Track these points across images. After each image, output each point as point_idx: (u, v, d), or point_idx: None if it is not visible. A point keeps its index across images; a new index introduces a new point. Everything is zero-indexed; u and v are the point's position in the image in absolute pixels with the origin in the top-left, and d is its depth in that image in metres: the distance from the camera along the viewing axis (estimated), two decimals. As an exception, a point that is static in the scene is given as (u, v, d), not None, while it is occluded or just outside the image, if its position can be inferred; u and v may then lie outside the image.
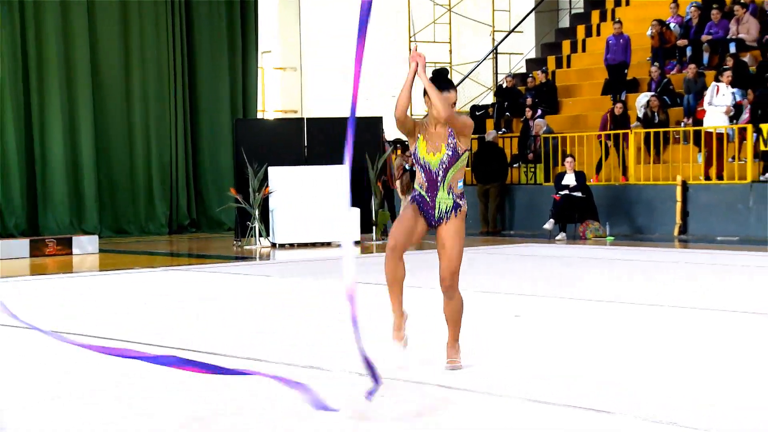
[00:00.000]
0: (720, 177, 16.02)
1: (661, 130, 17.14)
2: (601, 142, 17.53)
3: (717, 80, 16.36)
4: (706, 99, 16.39)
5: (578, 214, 16.37)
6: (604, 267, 11.42)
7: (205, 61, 20.61)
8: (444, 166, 5.37)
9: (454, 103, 5.35)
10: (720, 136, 16.06)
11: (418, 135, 5.42)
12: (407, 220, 5.41)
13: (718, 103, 16.24)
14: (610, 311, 7.63)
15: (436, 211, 5.42)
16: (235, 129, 17.32)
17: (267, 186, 16.16)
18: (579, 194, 16.43)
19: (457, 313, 5.50)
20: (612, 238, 16.00)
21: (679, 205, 16.17)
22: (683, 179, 16.29)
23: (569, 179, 16.57)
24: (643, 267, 11.39)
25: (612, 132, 17.55)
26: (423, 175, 5.43)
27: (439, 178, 5.39)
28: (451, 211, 5.41)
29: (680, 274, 10.48)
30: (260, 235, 16.05)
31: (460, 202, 5.45)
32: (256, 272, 11.82)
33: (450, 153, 5.35)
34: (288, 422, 4.50)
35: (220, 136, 20.54)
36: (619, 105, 17.76)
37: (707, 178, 16.02)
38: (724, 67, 17.02)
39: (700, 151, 16.77)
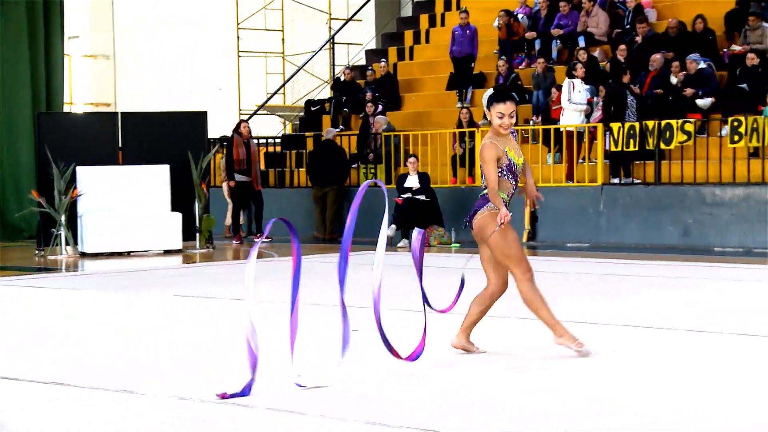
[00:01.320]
0: (570, 179, 16.58)
1: (518, 128, 17.52)
2: (456, 140, 17.82)
3: (570, 76, 16.91)
4: (563, 96, 16.89)
5: (422, 219, 16.58)
6: (444, 276, 11.59)
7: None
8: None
9: (513, 113, 6.46)
10: (573, 135, 16.61)
11: (504, 148, 6.45)
12: (517, 236, 6.52)
13: (577, 100, 16.77)
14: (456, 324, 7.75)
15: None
16: (37, 123, 16.73)
17: (75, 188, 15.71)
18: (422, 197, 16.65)
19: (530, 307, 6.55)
20: (458, 245, 16.28)
21: (527, 210, 16.60)
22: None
23: (412, 181, 16.78)
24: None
25: (457, 130, 17.89)
26: (514, 183, 6.49)
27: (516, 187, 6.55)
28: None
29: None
30: (66, 244, 15.59)
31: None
32: (61, 285, 11.52)
33: None
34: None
35: (19, 132, 19.76)
36: (465, 112, 18.09)
37: (569, 179, 16.55)
38: (574, 62, 17.63)
39: (549, 151, 17.30)
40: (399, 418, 4.91)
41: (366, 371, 6.11)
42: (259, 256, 14.41)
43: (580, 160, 16.85)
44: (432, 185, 17.01)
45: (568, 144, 16.74)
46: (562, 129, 16.86)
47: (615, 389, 5.57)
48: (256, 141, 18.55)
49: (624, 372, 6.01)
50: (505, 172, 6.44)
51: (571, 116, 16.81)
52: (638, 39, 18.50)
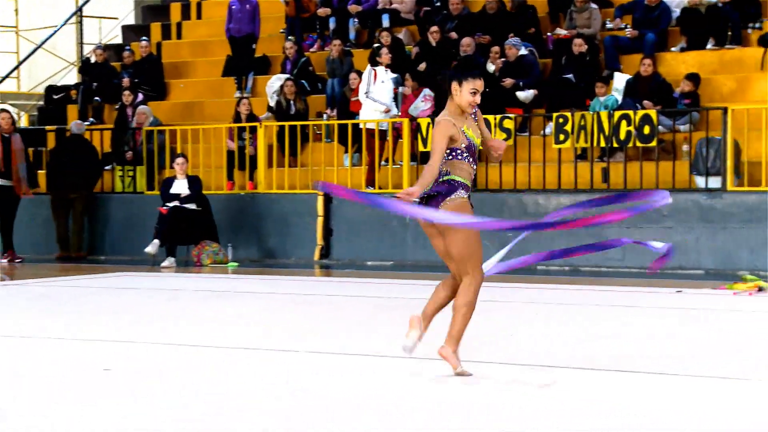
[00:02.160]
0: (371, 184, 16.64)
1: (299, 123, 17.52)
2: (233, 137, 17.59)
3: (374, 63, 16.85)
4: (361, 88, 16.87)
5: (192, 233, 16.32)
6: (222, 302, 11.40)
7: None
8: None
9: (479, 91, 6.83)
10: (374, 133, 16.63)
11: (461, 128, 6.83)
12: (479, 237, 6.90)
13: (377, 94, 16.70)
14: (230, 358, 7.56)
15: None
16: None
17: None
18: (193, 206, 16.45)
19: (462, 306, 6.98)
20: (235, 264, 16.14)
21: (320, 222, 16.58)
22: (326, 187, 16.73)
23: (180, 186, 16.54)
24: (274, 302, 11.48)
25: (235, 125, 17.69)
26: (473, 164, 6.90)
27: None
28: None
29: (320, 310, 10.66)
30: None
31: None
32: None
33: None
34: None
35: None
36: (245, 103, 17.89)
37: (370, 185, 16.57)
38: (377, 44, 17.69)
39: (346, 151, 17.32)
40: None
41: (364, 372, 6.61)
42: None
43: (383, 162, 16.92)
44: (204, 191, 16.80)
45: (369, 143, 16.77)
46: (361, 125, 16.89)
47: (615, 391, 6.10)
48: (19, 135, 17.59)
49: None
50: (464, 154, 6.82)
51: (371, 112, 16.82)
52: (450, 18, 18.79)
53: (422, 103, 17.05)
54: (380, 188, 16.46)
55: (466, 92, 6.79)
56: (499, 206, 15.70)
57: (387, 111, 16.81)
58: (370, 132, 16.78)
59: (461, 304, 6.87)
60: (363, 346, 8.17)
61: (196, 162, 17.61)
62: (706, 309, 10.56)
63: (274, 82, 19.01)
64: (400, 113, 16.94)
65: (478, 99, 6.83)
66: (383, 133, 16.89)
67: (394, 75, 16.95)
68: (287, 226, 17.00)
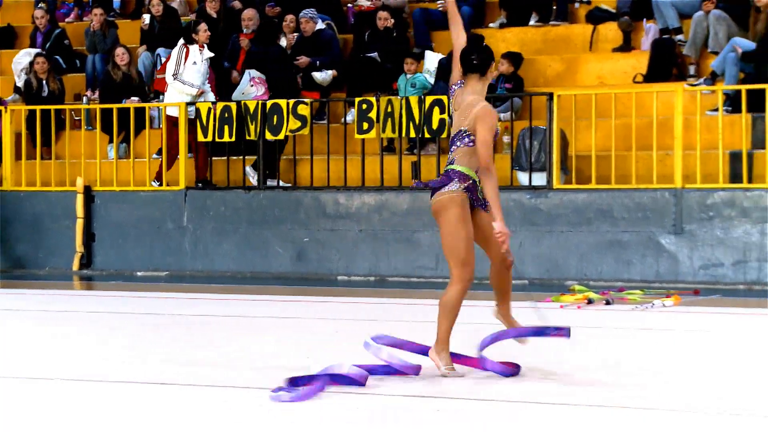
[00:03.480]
0: (160, 180, 16.52)
1: (52, 107, 17.19)
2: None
3: (188, 40, 16.24)
4: (169, 68, 16.37)
5: None
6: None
7: None
8: None
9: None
10: (176, 121, 16.24)
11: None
12: (471, 234, 7.59)
13: (190, 75, 16.22)
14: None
15: (480, 194, 7.62)
16: None
17: None
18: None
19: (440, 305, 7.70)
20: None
21: (80, 225, 16.33)
22: (87, 184, 16.49)
23: None
24: (24, 321, 11.26)
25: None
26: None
27: None
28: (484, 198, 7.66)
29: (79, 330, 10.50)
30: None
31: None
32: None
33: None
34: None
35: None
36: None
37: (157, 181, 16.39)
38: (196, 20, 17.13)
39: (111, 141, 17.07)
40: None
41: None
42: None
43: (155, 155, 16.79)
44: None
45: (171, 133, 16.34)
46: (161, 111, 16.49)
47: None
48: None
49: None
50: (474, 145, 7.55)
51: (175, 95, 16.34)
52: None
53: (252, 88, 16.78)
54: (168, 184, 16.30)
55: (490, 76, 7.76)
56: (294, 206, 15.73)
57: (201, 94, 16.37)
58: (173, 120, 16.38)
59: (441, 303, 7.64)
60: (133, 372, 8.08)
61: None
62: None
63: (22, 57, 18.66)
64: (216, 98, 16.58)
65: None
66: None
67: (211, 54, 16.58)
68: (40, 231, 16.70)
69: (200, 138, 16.19)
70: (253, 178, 16.21)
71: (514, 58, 16.36)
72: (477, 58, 7.62)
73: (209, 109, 16.04)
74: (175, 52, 16.58)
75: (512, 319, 7.98)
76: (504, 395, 7.02)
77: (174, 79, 16.43)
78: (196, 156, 16.41)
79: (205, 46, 16.47)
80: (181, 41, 16.47)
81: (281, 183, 16.07)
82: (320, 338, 10.01)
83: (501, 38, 17.63)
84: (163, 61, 17.52)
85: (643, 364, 8.23)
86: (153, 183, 16.45)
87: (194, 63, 16.48)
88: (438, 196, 7.61)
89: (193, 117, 16.26)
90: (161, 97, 17.17)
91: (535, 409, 6.58)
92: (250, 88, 16.85)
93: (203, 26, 16.51)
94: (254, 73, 16.92)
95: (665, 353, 8.92)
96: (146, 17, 18.62)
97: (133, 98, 17.36)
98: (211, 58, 16.74)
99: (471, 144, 7.53)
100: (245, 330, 10.71)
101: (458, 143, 7.60)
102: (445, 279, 14.53)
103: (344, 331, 10.52)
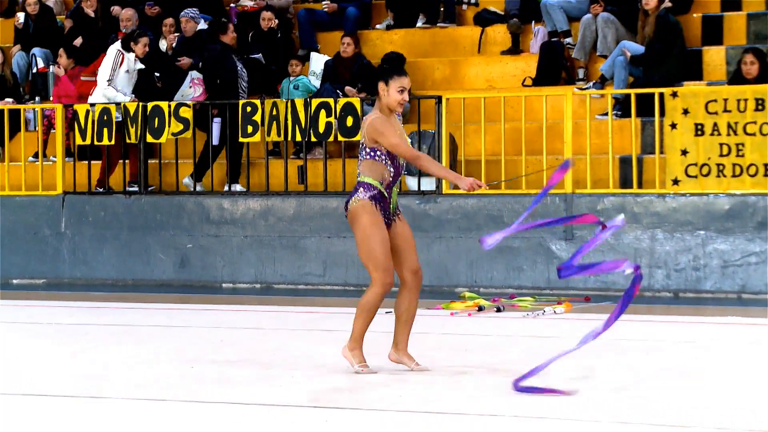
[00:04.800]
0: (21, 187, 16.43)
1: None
2: None
3: (126, 47, 15.94)
4: (103, 72, 16.09)
5: None
6: None
7: None
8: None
9: (406, 89, 8.41)
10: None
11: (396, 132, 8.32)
12: (387, 239, 8.29)
13: (122, 84, 15.97)
14: None
15: (392, 206, 8.39)
16: None
17: None
18: None
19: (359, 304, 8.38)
20: None
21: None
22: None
23: None
24: None
25: None
26: (393, 170, 8.34)
27: (402, 171, 8.50)
28: (397, 204, 8.50)
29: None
30: None
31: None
32: None
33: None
34: None
35: None
36: None
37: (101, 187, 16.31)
38: (134, 30, 16.64)
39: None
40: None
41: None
42: None
43: (31, 158, 16.74)
44: None
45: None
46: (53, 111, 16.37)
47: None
48: None
49: None
50: (382, 157, 8.30)
51: (101, 99, 16.13)
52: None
53: (189, 89, 16.69)
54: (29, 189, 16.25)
55: (393, 91, 8.32)
56: (176, 211, 15.74)
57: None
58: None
59: (360, 304, 8.31)
60: (18, 385, 8.12)
61: None
62: (416, 333, 10.95)
63: None
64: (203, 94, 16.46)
65: (406, 97, 8.36)
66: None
67: (142, 66, 16.43)
68: None
69: (78, 141, 16.13)
70: (191, 187, 16.15)
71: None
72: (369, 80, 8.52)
73: (87, 111, 15.98)
74: (110, 56, 16.35)
75: (408, 356, 8.53)
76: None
77: (108, 84, 16.27)
78: (109, 159, 16.29)
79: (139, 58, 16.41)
80: (118, 46, 16.31)
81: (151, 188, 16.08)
82: (204, 347, 10.10)
83: (388, 40, 17.86)
84: (39, 63, 17.50)
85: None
86: (97, 189, 16.27)
87: (127, 71, 16.37)
88: (350, 206, 8.32)
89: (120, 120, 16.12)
90: (36, 99, 17.11)
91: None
92: (189, 89, 16.79)
93: (144, 40, 16.35)
94: (195, 74, 16.89)
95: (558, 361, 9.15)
96: (20, 16, 18.54)
97: (7, 99, 17.27)
98: (88, 58, 16.70)
99: (368, 157, 8.32)
100: (126, 339, 10.74)
101: (360, 156, 8.41)
102: (332, 286, 14.82)
103: (229, 339, 10.62)
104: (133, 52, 16.30)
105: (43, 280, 16.00)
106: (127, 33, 16.88)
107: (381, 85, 8.37)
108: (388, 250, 8.27)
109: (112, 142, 15.98)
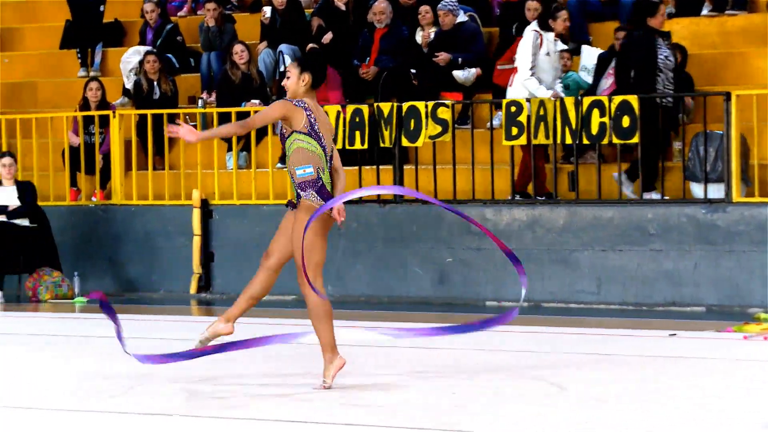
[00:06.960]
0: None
1: (165, 111, 17.27)
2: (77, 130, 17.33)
3: (543, 26, 15.53)
4: (523, 59, 15.65)
5: (25, 258, 16.18)
6: (68, 351, 11.21)
7: None
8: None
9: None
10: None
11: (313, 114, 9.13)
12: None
13: (543, 71, 15.71)
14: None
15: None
16: None
17: None
18: (25, 222, 16.32)
19: (311, 316, 9.28)
20: (83, 300, 15.97)
21: (197, 243, 16.45)
22: (204, 197, 16.59)
23: (7, 196, 16.35)
24: (143, 350, 11.28)
25: (80, 114, 17.54)
26: (326, 158, 9.22)
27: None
28: (297, 199, 9.23)
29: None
30: None
31: (302, 193, 9.18)
32: None
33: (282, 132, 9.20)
34: None
35: None
36: (93, 85, 17.66)
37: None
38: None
39: (230, 149, 17.12)
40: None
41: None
42: None
43: (279, 165, 16.83)
44: (40, 202, 16.66)
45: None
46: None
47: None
48: None
49: None
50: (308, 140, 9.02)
51: (522, 92, 15.69)
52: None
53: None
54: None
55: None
56: (435, 223, 15.60)
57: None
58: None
59: (314, 314, 9.29)
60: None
61: (28, 163, 17.43)
62: (707, 359, 10.55)
63: (131, 56, 18.85)
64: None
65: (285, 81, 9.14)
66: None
67: (564, 46, 16.15)
68: (153, 249, 16.86)
69: (357, 146, 16.07)
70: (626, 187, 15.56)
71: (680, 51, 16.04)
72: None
73: (338, 113, 15.97)
74: (529, 39, 15.64)
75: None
76: None
77: (531, 74, 15.55)
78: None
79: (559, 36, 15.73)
80: (534, 26, 15.68)
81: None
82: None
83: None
84: (286, 60, 17.56)
85: None
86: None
87: (547, 54, 15.66)
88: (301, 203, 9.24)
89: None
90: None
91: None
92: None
93: (564, 14, 15.74)
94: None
95: None
96: (267, 10, 18.67)
97: (253, 101, 17.39)
98: (338, 56, 16.74)
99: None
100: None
101: None
102: (608, 305, 14.49)
103: (489, 364, 10.40)
104: (552, 30, 15.62)
105: (293, 296, 15.97)
106: (544, 9, 16.22)
107: (297, 72, 9.21)
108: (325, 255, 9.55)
109: (365, 146, 15.94)
